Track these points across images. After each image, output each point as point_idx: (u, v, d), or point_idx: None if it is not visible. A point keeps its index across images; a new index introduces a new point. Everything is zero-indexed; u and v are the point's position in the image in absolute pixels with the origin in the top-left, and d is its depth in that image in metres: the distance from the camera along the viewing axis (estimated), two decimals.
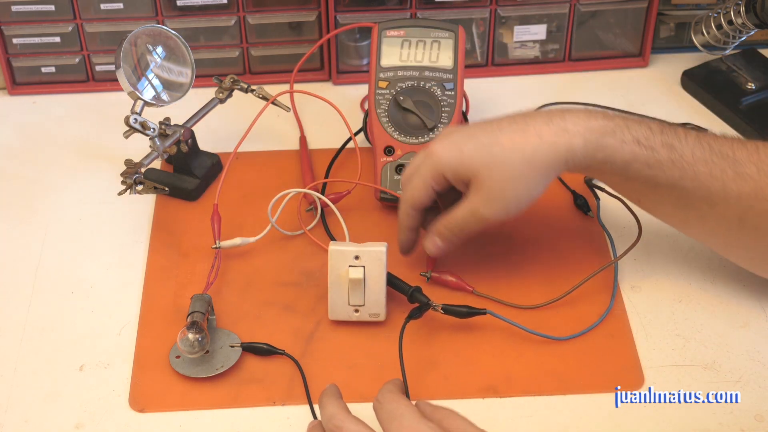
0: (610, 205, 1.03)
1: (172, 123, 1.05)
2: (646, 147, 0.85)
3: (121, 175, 0.99)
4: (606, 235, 1.01)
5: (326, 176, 1.08)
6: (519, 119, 0.88)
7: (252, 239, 0.99)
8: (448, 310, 0.91)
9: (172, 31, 1.02)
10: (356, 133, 1.11)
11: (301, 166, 1.10)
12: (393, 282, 0.93)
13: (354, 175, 1.05)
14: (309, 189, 1.03)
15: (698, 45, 1.22)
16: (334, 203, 1.00)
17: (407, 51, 1.07)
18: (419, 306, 0.92)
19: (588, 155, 0.85)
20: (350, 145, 1.10)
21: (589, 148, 0.85)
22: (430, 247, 0.93)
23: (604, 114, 0.87)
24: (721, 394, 0.87)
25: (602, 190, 1.04)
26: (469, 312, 0.91)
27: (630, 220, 1.01)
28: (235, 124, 1.12)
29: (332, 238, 1.00)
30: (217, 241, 0.98)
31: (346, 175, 1.08)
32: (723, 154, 0.85)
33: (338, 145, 1.10)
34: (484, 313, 0.90)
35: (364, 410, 0.79)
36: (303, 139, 1.13)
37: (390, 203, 1.04)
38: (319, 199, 1.02)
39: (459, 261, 0.99)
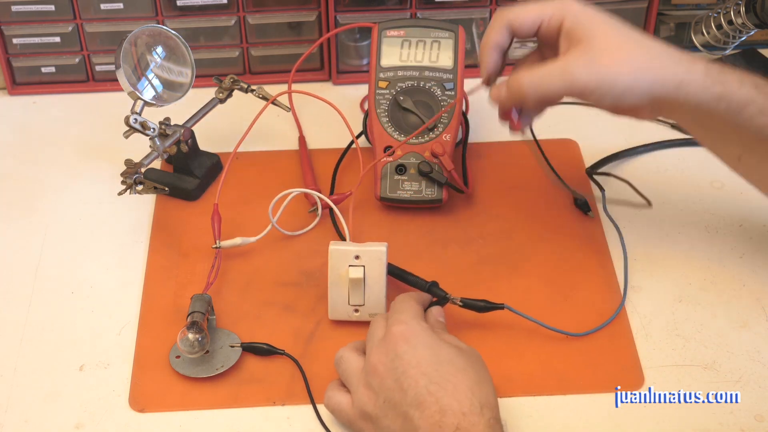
0: (610, 208, 1.04)
1: (172, 123, 1.05)
2: (763, 93, 0.81)
3: (121, 175, 0.99)
4: (614, 227, 1.01)
5: (333, 178, 1.08)
6: (647, 36, 0.84)
7: (252, 239, 0.99)
8: (467, 303, 0.91)
9: (172, 31, 1.02)
10: (359, 135, 1.10)
11: (301, 167, 1.10)
12: (407, 278, 0.93)
13: (356, 175, 1.04)
14: (311, 190, 1.03)
15: (698, 45, 1.22)
16: (336, 204, 1.00)
17: (407, 51, 1.07)
18: (437, 300, 0.91)
19: (705, 86, 0.81)
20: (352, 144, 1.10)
21: (709, 77, 0.81)
22: (495, 93, 0.88)
23: (720, 64, 0.84)
24: (721, 394, 0.87)
25: (607, 175, 1.04)
26: (487, 306, 0.91)
27: (631, 219, 1.01)
28: (235, 124, 1.12)
29: (342, 238, 1.00)
30: (217, 241, 0.98)
31: (349, 175, 1.08)
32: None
33: (338, 145, 1.10)
34: (502, 308, 0.90)
35: None
36: (302, 139, 1.13)
37: (390, 203, 1.04)
38: (320, 199, 1.02)
39: (459, 261, 0.99)
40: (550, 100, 0.87)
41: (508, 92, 0.85)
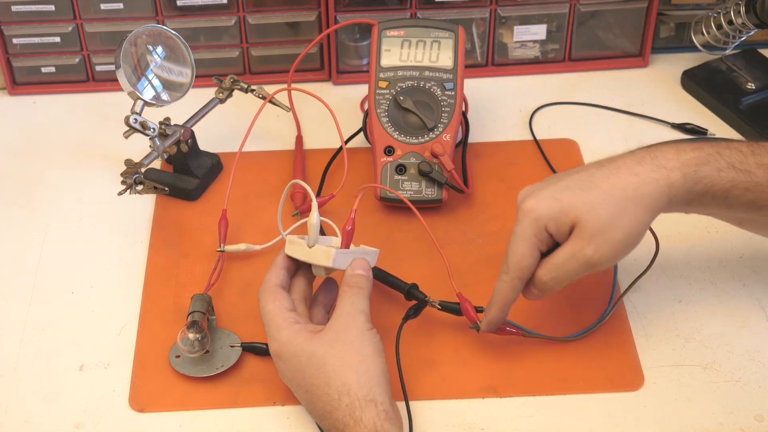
0: None
1: (172, 123, 1.05)
2: (742, 171, 0.83)
3: (121, 175, 0.99)
4: None
5: (322, 180, 1.08)
6: (606, 163, 0.84)
7: (257, 247, 0.99)
8: (445, 306, 0.91)
9: (172, 31, 1.02)
10: (356, 134, 1.11)
11: (294, 167, 1.10)
12: (388, 279, 0.93)
13: (350, 177, 1.04)
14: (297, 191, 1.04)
15: (698, 45, 1.22)
16: (319, 206, 1.01)
17: (407, 51, 1.07)
18: (417, 304, 0.92)
19: (688, 188, 0.82)
20: (350, 144, 1.10)
21: (688, 181, 0.82)
22: (529, 297, 0.87)
23: (692, 145, 0.84)
24: (721, 394, 0.87)
25: None
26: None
27: None
28: (235, 124, 1.12)
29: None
30: (222, 245, 0.98)
31: (341, 177, 1.08)
32: None
33: (338, 146, 1.10)
34: (481, 311, 0.90)
35: None
36: (299, 139, 1.13)
37: (390, 203, 1.04)
38: (301, 204, 1.03)
39: (459, 261, 0.99)
40: (566, 284, 0.86)
41: (541, 290, 0.86)
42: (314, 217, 0.87)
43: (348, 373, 0.80)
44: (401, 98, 1.05)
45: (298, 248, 0.88)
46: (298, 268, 0.90)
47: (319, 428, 0.84)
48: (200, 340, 0.89)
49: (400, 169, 1.03)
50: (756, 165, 0.83)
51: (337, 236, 0.95)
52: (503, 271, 0.85)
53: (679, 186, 0.82)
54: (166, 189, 1.03)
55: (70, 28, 1.19)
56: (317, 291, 0.92)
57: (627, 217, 0.81)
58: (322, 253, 0.86)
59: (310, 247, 0.87)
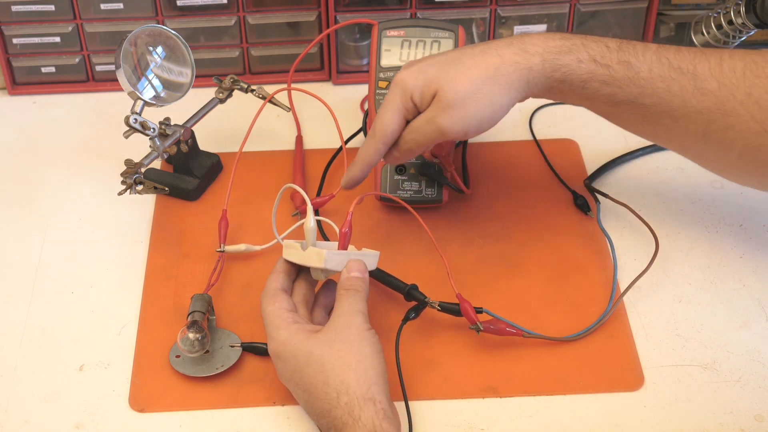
0: (610, 208, 1.04)
1: (172, 123, 1.05)
2: (602, 65, 0.86)
3: (121, 175, 0.99)
4: (606, 238, 1.01)
5: (321, 181, 1.08)
6: (480, 45, 0.89)
7: (257, 248, 0.99)
8: (444, 307, 0.91)
9: (172, 31, 1.02)
10: (356, 134, 1.10)
11: (293, 168, 1.10)
12: (388, 280, 0.93)
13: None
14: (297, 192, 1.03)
15: (698, 45, 1.22)
16: (318, 206, 1.01)
17: (407, 51, 1.07)
18: (417, 305, 0.92)
19: (546, 75, 0.86)
20: (350, 144, 1.10)
21: (546, 66, 0.86)
22: (389, 160, 0.92)
23: (562, 35, 0.88)
24: (721, 394, 0.87)
25: (604, 195, 1.04)
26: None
27: (630, 220, 1.01)
28: (235, 124, 1.12)
29: (326, 239, 1.00)
30: (222, 245, 0.98)
31: (341, 177, 1.08)
32: (682, 69, 0.85)
33: (337, 146, 1.10)
34: (480, 312, 0.90)
35: None
36: (299, 139, 1.14)
37: (390, 203, 1.04)
38: (302, 205, 1.03)
39: (459, 261, 0.99)
40: (428, 147, 0.92)
41: (399, 151, 0.90)
42: (310, 221, 0.87)
43: (347, 372, 0.80)
44: None
45: (293, 252, 0.88)
46: (300, 272, 0.90)
47: (320, 429, 0.84)
48: (200, 340, 0.89)
49: (400, 169, 1.03)
50: (618, 61, 0.86)
51: (335, 234, 0.95)
52: (369, 135, 0.90)
53: (538, 70, 0.86)
54: (166, 189, 1.03)
55: (70, 28, 1.19)
56: (318, 293, 0.92)
57: (483, 93, 0.86)
58: (315, 255, 0.86)
59: (303, 251, 0.87)
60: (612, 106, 0.88)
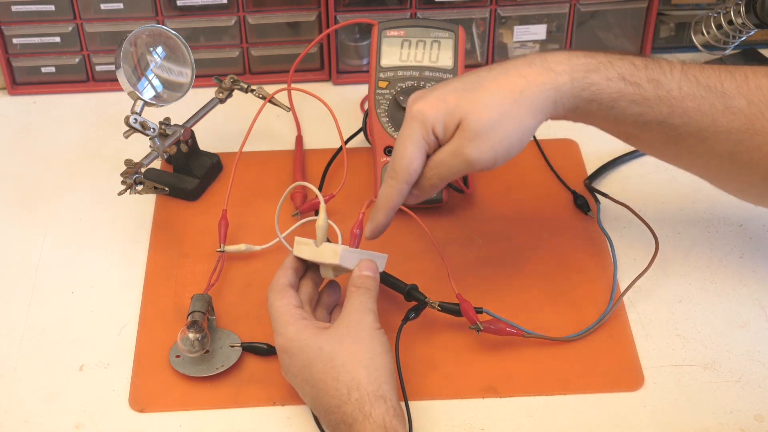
0: (610, 207, 1.04)
1: (172, 123, 1.05)
2: (631, 83, 0.82)
3: (121, 175, 0.99)
4: (606, 238, 1.01)
5: (322, 180, 1.08)
6: (497, 66, 0.84)
7: (257, 248, 0.99)
8: (444, 307, 0.91)
9: (172, 31, 1.02)
10: (356, 134, 1.10)
11: (294, 168, 1.10)
12: (388, 280, 0.93)
13: (350, 177, 1.04)
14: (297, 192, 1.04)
15: (698, 45, 1.22)
16: (317, 208, 1.01)
17: (407, 51, 1.07)
18: (417, 305, 0.92)
19: (575, 94, 0.82)
20: (350, 144, 1.10)
21: (575, 86, 0.82)
22: (409, 200, 0.87)
23: (585, 53, 0.84)
24: (721, 394, 0.87)
25: (604, 195, 1.04)
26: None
27: (629, 221, 1.01)
28: (235, 124, 1.12)
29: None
30: (222, 245, 0.98)
31: (341, 177, 1.08)
32: (711, 87, 0.82)
33: (337, 146, 1.10)
34: (480, 312, 0.90)
35: None
36: (299, 139, 1.14)
37: None
38: (301, 204, 1.03)
39: (459, 262, 0.99)
40: (446, 183, 0.87)
41: (421, 188, 0.85)
42: (322, 218, 0.87)
43: (358, 369, 0.80)
44: (401, 98, 1.05)
45: (305, 248, 0.88)
46: (306, 270, 0.90)
47: (320, 428, 0.84)
48: (200, 340, 0.89)
49: None
50: (647, 79, 0.82)
51: (337, 235, 0.95)
52: (389, 176, 0.84)
53: (566, 90, 0.82)
54: (166, 189, 1.03)
55: (70, 28, 1.19)
56: (321, 291, 0.92)
57: (511, 119, 0.81)
58: (330, 251, 0.86)
59: (317, 247, 0.87)
60: (638, 126, 0.84)
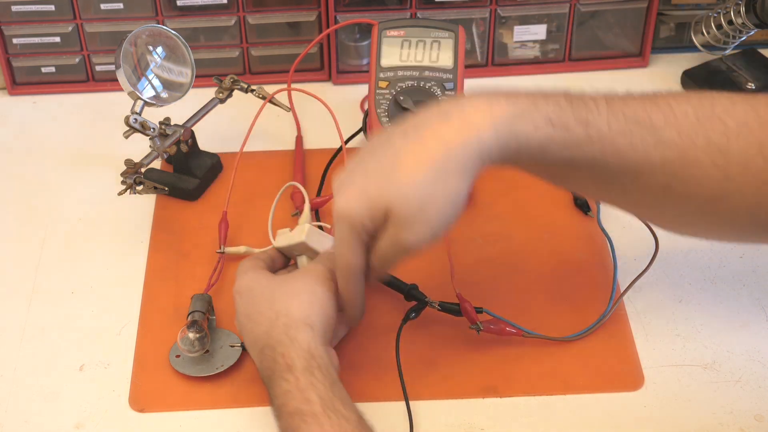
0: (610, 207, 1.03)
1: (172, 123, 1.05)
2: (560, 127, 0.75)
3: (121, 175, 0.99)
4: (606, 238, 1.01)
5: (321, 181, 1.08)
6: (409, 128, 0.76)
7: (257, 251, 0.99)
8: (445, 307, 0.91)
9: (172, 31, 1.02)
10: (356, 134, 1.10)
11: (293, 168, 1.10)
12: (388, 281, 0.93)
13: None
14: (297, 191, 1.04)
15: (698, 45, 1.22)
16: (319, 206, 1.01)
17: (407, 51, 1.07)
18: (417, 304, 0.92)
19: (501, 146, 0.75)
20: (350, 144, 1.10)
21: (500, 138, 0.74)
22: (367, 279, 0.84)
23: (506, 96, 0.76)
24: (721, 394, 0.87)
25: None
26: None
27: (629, 221, 1.01)
28: (235, 124, 1.12)
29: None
30: (222, 246, 0.98)
31: None
32: (639, 120, 0.76)
33: (337, 145, 1.10)
34: (481, 312, 0.90)
35: (364, 409, 0.79)
36: (299, 139, 1.14)
37: None
38: (302, 204, 1.03)
39: (459, 262, 0.99)
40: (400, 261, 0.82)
41: (376, 274, 0.83)
42: (306, 210, 0.93)
43: (291, 300, 0.84)
44: (401, 98, 1.05)
45: (282, 237, 0.92)
46: (285, 266, 0.94)
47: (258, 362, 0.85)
48: (200, 339, 0.89)
49: None
50: (575, 120, 0.76)
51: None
52: (338, 275, 0.83)
53: (491, 144, 0.74)
54: (166, 189, 1.03)
55: (70, 28, 1.19)
56: None
57: (439, 193, 0.75)
58: (299, 230, 0.90)
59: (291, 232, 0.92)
60: (571, 170, 0.78)
